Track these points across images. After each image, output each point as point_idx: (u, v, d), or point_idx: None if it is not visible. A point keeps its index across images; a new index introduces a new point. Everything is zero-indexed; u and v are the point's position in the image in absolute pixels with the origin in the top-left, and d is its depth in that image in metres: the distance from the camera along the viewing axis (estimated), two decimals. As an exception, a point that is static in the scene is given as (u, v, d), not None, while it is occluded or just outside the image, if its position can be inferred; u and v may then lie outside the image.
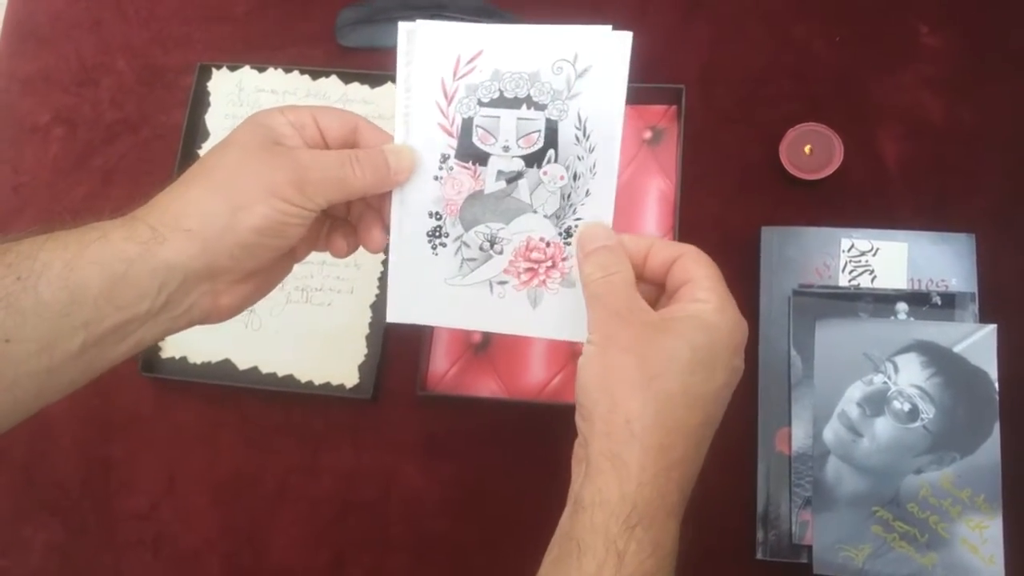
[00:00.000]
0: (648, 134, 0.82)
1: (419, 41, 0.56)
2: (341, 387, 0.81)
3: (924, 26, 0.82)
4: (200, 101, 0.90)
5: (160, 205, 0.51)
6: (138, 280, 0.48)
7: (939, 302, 0.73)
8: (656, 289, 0.54)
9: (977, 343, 0.71)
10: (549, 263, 0.56)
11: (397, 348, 0.81)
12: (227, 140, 0.53)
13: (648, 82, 0.83)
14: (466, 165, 0.56)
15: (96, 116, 0.93)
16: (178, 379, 0.83)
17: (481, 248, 0.57)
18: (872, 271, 0.75)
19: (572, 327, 0.56)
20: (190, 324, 0.53)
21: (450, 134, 0.56)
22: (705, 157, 0.81)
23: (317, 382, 0.81)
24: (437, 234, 0.58)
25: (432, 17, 0.56)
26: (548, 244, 0.56)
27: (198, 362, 0.83)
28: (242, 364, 0.83)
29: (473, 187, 0.57)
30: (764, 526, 0.72)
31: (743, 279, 0.77)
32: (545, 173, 0.56)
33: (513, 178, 0.57)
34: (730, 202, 0.80)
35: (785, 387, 0.74)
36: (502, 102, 0.56)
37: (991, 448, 0.70)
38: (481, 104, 0.56)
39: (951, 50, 0.82)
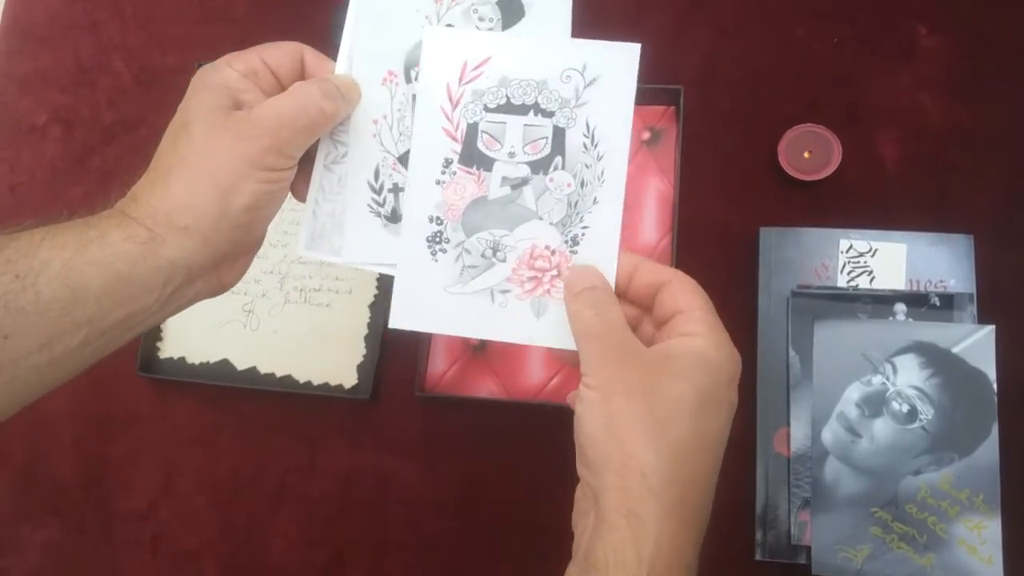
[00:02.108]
0: (647, 135, 0.82)
1: (427, 46, 0.56)
2: (340, 387, 0.81)
3: (923, 27, 0.82)
4: (198, 101, 0.89)
5: (147, 202, 0.49)
6: (143, 278, 0.48)
7: (938, 303, 0.73)
8: (640, 312, 0.52)
9: (976, 344, 0.71)
10: (554, 272, 0.55)
11: (396, 348, 0.81)
12: (187, 114, 0.51)
13: (647, 83, 0.83)
14: (470, 170, 0.55)
15: (94, 116, 0.93)
16: (176, 379, 0.83)
17: (483, 255, 0.55)
18: (871, 272, 0.75)
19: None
20: (193, 304, 0.53)
21: (454, 139, 0.56)
22: (704, 158, 0.81)
23: (316, 382, 0.81)
24: (437, 240, 0.56)
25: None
26: (553, 252, 0.55)
27: (196, 362, 0.83)
28: (240, 364, 0.83)
29: (476, 192, 0.56)
30: (763, 527, 0.72)
31: (741, 280, 0.77)
32: (551, 180, 0.55)
33: (518, 184, 0.55)
34: (729, 203, 0.80)
35: (784, 388, 0.74)
36: (509, 108, 0.55)
37: (990, 449, 0.70)
38: (487, 110, 0.56)
39: (950, 51, 0.82)
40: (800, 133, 0.79)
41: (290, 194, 0.57)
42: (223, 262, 0.52)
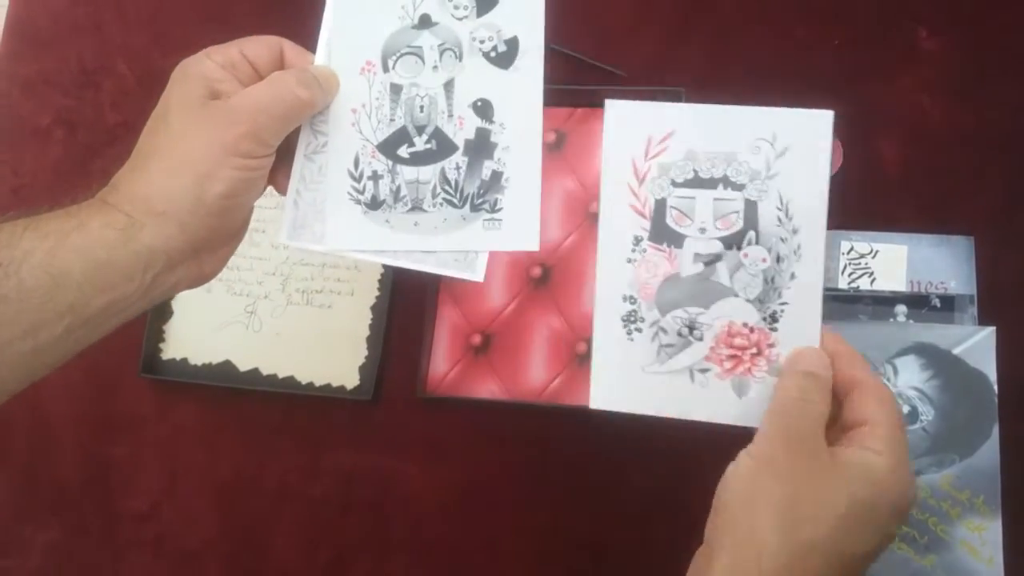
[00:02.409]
0: (648, 136, 0.82)
1: (608, 120, 0.56)
2: (341, 388, 0.81)
3: (923, 30, 0.82)
4: (201, 103, 0.90)
5: (126, 190, 0.50)
6: (123, 264, 0.48)
7: (938, 304, 0.73)
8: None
9: (976, 345, 0.71)
10: (754, 350, 0.54)
11: (397, 350, 0.82)
12: (166, 104, 0.52)
13: (647, 85, 0.83)
14: (660, 247, 0.55)
15: (97, 118, 0.93)
16: (179, 380, 0.83)
17: (679, 334, 0.55)
18: (872, 273, 0.75)
19: None
20: (175, 292, 0.54)
21: (642, 215, 0.55)
22: (705, 159, 0.81)
23: (317, 383, 0.82)
24: (632, 319, 0.56)
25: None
26: (752, 330, 0.54)
27: (199, 363, 0.84)
28: (243, 366, 0.83)
29: (669, 270, 0.55)
30: (763, 528, 0.72)
31: (743, 281, 0.77)
32: (745, 255, 0.54)
33: (711, 261, 0.55)
34: (730, 204, 0.80)
35: (784, 389, 0.74)
36: (697, 182, 0.55)
37: (990, 450, 0.70)
38: (675, 184, 0.55)
39: (950, 54, 0.82)
40: (801, 135, 0.79)
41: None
42: (203, 249, 0.52)
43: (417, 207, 0.58)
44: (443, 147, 0.58)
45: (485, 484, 0.79)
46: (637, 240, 0.55)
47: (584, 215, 0.82)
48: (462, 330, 0.81)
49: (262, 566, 0.80)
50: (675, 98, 0.81)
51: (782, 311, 0.53)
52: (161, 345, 0.84)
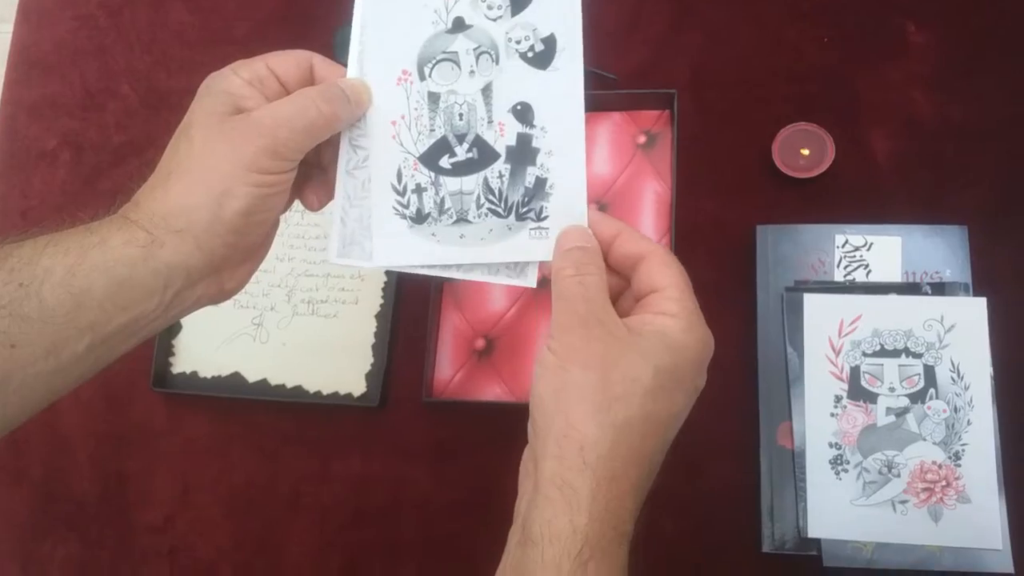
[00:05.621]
0: (642, 138, 0.84)
1: (807, 308, 0.73)
2: (349, 396, 0.82)
3: (911, 24, 0.83)
4: (204, 121, 0.91)
5: (147, 207, 0.49)
6: (143, 282, 0.48)
7: (929, 292, 0.74)
8: (619, 280, 0.52)
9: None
10: (943, 483, 0.69)
11: (403, 356, 0.83)
12: (189, 120, 0.51)
13: (641, 88, 0.85)
14: (857, 404, 0.71)
15: (102, 140, 0.95)
16: (189, 393, 0.85)
17: (880, 472, 0.70)
18: (867, 265, 0.76)
19: (978, 537, 0.68)
20: (196, 309, 0.53)
21: (841, 379, 0.72)
22: (699, 159, 0.82)
23: (325, 392, 0.83)
24: (839, 461, 0.71)
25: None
26: (940, 466, 0.69)
27: (208, 376, 0.85)
28: (251, 377, 0.84)
29: (866, 421, 0.71)
30: (770, 519, 0.73)
31: (739, 278, 0.78)
32: (929, 408, 0.70)
33: (901, 413, 0.71)
34: (725, 202, 0.82)
35: (784, 383, 0.75)
36: (883, 353, 0.71)
37: (989, 431, 0.70)
38: (865, 355, 0.72)
39: (938, 47, 0.83)
40: (793, 132, 0.80)
41: (302, 205, 0.57)
42: (223, 267, 0.52)
43: (462, 219, 0.56)
44: (484, 155, 0.56)
45: (493, 485, 0.79)
46: (838, 399, 0.72)
47: (582, 218, 0.83)
48: (465, 334, 0.82)
49: (275, 573, 0.81)
50: (668, 101, 0.82)
51: (964, 450, 0.69)
52: (171, 359, 0.86)
